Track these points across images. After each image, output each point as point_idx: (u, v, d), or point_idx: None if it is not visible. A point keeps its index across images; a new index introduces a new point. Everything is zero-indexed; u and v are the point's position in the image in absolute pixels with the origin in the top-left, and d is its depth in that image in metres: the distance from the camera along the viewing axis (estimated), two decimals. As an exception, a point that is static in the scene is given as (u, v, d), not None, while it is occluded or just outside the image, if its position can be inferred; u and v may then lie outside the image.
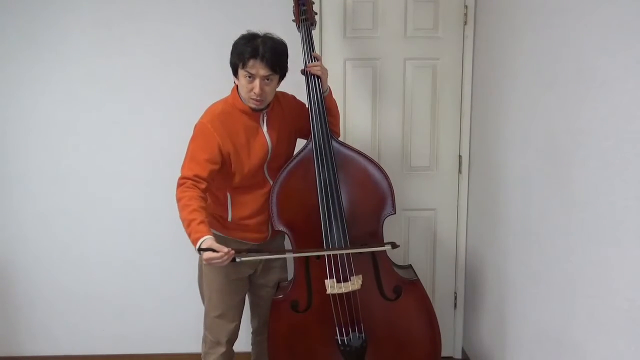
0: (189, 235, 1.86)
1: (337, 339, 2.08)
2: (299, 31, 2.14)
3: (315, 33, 2.51)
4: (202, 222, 1.85)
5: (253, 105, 1.97)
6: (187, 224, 1.85)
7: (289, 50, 1.99)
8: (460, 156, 2.66)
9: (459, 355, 2.80)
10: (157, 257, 2.73)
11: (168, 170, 2.63)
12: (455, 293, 2.77)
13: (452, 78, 2.59)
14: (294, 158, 2.07)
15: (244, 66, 1.90)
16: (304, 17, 2.12)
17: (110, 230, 2.71)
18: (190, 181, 1.92)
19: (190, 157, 1.98)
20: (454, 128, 2.64)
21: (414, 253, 2.73)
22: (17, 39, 2.56)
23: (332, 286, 2.03)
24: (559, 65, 1.72)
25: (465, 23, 2.54)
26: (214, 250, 1.77)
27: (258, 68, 1.88)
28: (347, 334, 2.07)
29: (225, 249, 1.78)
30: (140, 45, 2.58)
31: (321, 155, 2.02)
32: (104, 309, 2.77)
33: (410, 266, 2.31)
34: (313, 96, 2.06)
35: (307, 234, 2.05)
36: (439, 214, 2.71)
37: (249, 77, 1.91)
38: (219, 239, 2.11)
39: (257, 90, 1.91)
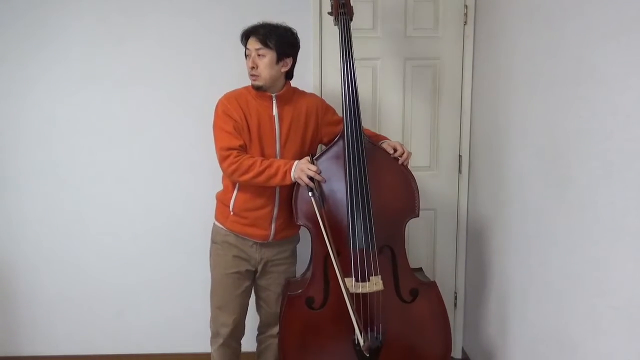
0: (275, 175, 1.97)
1: (354, 339, 2.03)
2: (336, 25, 2.10)
3: (315, 33, 2.52)
4: (276, 160, 2.01)
5: (252, 81, 2.06)
6: (267, 170, 1.97)
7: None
8: (460, 156, 2.66)
9: (459, 355, 2.80)
10: (157, 257, 2.73)
11: (168, 169, 2.64)
12: (455, 293, 2.77)
13: (452, 78, 2.59)
14: (323, 152, 2.04)
15: (245, 47, 2.07)
16: (342, 10, 2.06)
17: (110, 229, 2.71)
18: (234, 151, 2.01)
19: (220, 134, 2.05)
20: (454, 128, 2.64)
21: (414, 253, 2.72)
22: (15, 37, 2.56)
23: (355, 286, 2.00)
24: (559, 64, 1.72)
25: (465, 23, 2.54)
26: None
27: (251, 43, 2.04)
28: (366, 333, 2.03)
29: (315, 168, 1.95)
30: (140, 43, 2.57)
31: (353, 150, 1.98)
32: (103, 309, 2.77)
33: (421, 269, 2.31)
34: (347, 90, 2.02)
35: (330, 229, 1.98)
36: (439, 214, 2.71)
37: (247, 55, 2.07)
38: (221, 232, 2.16)
39: (249, 63, 2.04)
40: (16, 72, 2.58)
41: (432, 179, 2.68)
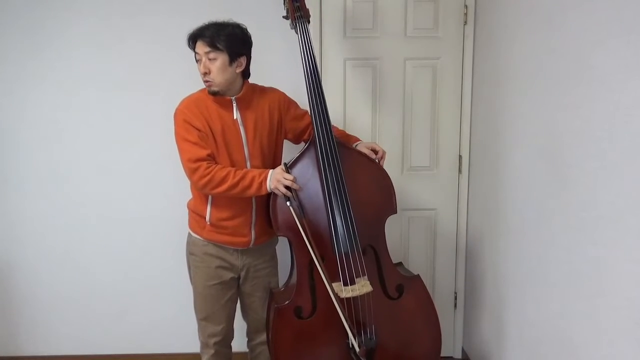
0: (250, 187, 1.92)
1: (348, 342, 2.00)
2: (293, 28, 2.05)
3: (315, 33, 2.52)
4: (250, 170, 1.95)
5: (207, 88, 1.98)
6: (241, 182, 1.91)
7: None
8: (460, 156, 2.66)
9: (459, 355, 2.80)
10: (157, 257, 2.73)
11: (168, 169, 2.64)
12: (455, 293, 2.77)
13: (452, 78, 2.59)
14: (296, 159, 1.99)
15: (194, 51, 1.96)
16: (299, 13, 2.01)
17: (110, 230, 2.71)
18: (204, 162, 1.93)
19: (185, 145, 1.96)
20: (454, 128, 2.64)
21: (414, 253, 2.73)
22: (15, 37, 2.56)
23: (344, 290, 1.96)
24: (559, 64, 1.72)
25: (465, 23, 2.54)
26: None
27: (199, 47, 1.93)
28: (359, 337, 2.01)
29: (291, 177, 1.91)
30: (139, 43, 2.58)
31: (326, 155, 1.95)
32: (103, 309, 2.77)
33: (401, 263, 2.30)
34: (314, 95, 1.98)
35: (312, 236, 1.95)
36: (439, 214, 2.71)
37: (198, 60, 1.96)
38: (199, 243, 2.10)
39: (201, 68, 1.94)
40: (16, 73, 2.58)
41: (432, 179, 2.68)
